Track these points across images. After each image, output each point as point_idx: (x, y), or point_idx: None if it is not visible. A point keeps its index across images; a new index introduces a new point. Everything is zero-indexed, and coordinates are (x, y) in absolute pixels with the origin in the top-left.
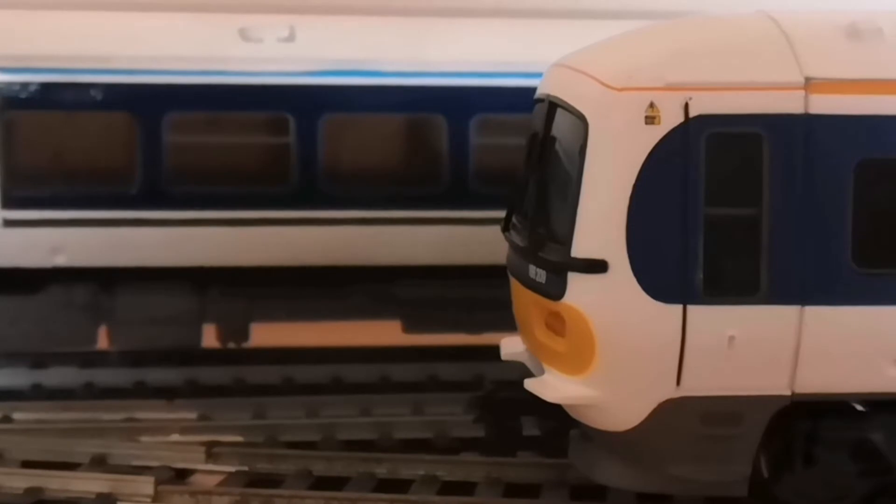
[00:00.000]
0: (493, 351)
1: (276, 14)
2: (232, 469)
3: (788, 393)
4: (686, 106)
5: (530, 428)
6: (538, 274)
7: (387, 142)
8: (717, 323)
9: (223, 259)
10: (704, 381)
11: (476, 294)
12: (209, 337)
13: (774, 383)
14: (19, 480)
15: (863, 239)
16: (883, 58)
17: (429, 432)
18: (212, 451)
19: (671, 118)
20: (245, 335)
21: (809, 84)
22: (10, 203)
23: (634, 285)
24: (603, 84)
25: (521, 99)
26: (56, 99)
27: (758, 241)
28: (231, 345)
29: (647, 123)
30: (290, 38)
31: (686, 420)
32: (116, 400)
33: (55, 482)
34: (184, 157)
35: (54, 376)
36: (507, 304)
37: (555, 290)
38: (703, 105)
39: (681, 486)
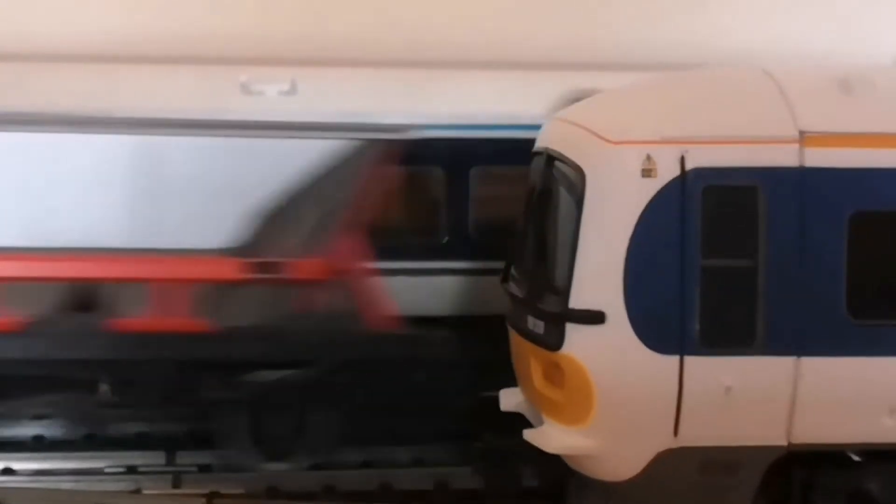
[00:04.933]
0: None
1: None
2: None
3: (785, 443)
4: (682, 159)
5: (529, 478)
6: (536, 325)
7: None
8: (713, 373)
9: None
10: (702, 432)
11: None
12: None
13: (771, 433)
14: None
15: (858, 290)
16: (876, 111)
17: (428, 483)
18: (213, 502)
19: (667, 171)
20: None
21: (804, 138)
22: None
23: (632, 336)
24: (600, 137)
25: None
26: None
27: (754, 292)
28: None
29: (643, 176)
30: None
31: (684, 470)
32: (118, 451)
33: None
34: None
35: (56, 427)
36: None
37: (553, 340)
38: (699, 158)
39: None
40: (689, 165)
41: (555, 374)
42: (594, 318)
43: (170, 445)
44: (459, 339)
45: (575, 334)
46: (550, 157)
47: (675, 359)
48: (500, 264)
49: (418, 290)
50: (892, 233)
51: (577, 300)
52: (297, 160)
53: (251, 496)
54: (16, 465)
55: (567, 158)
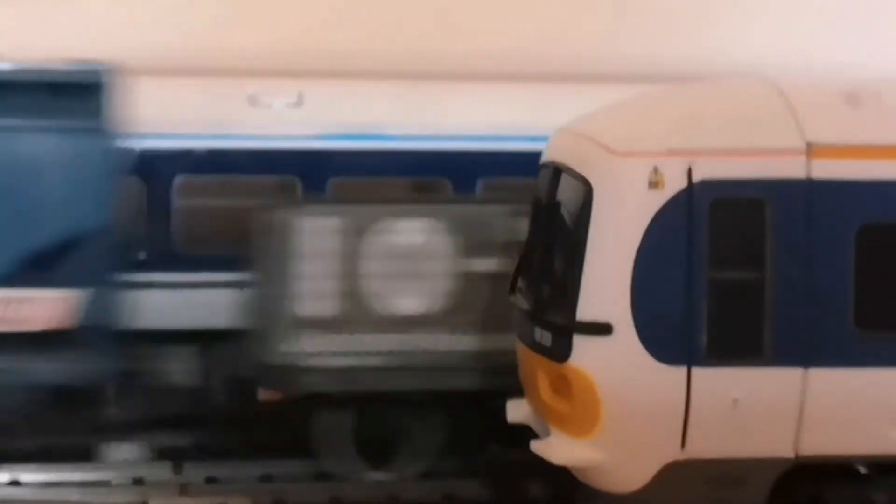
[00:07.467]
0: None
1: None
2: None
3: (792, 455)
4: (689, 171)
5: (536, 491)
6: (543, 336)
7: None
8: (721, 385)
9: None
10: (709, 444)
11: None
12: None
13: (778, 445)
14: None
15: (865, 302)
16: (883, 123)
17: (437, 495)
18: None
19: (674, 183)
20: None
21: (811, 149)
22: None
23: (639, 348)
24: (607, 149)
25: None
26: None
27: (761, 304)
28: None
29: (650, 188)
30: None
31: (691, 482)
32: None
33: None
34: None
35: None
36: None
37: (560, 352)
38: (706, 170)
39: None
40: (696, 177)
41: (562, 385)
42: (601, 329)
43: (177, 457)
44: None
45: (582, 346)
46: (557, 169)
47: (682, 370)
48: None
49: None
50: None
51: (585, 312)
52: None
53: None
54: (23, 477)
55: (574, 170)
